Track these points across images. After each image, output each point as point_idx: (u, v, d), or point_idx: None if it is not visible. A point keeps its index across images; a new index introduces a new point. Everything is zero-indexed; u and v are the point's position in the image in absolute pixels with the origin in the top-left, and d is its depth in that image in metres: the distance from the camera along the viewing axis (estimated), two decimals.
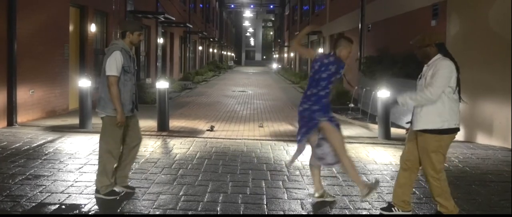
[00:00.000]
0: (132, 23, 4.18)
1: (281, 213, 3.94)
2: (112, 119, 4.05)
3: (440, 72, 3.50)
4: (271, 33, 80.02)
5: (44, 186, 4.43)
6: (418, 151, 3.74)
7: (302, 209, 4.06)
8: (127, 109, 4.09)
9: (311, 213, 3.99)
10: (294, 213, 3.95)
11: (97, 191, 4.17)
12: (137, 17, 14.91)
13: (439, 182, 3.69)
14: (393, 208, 3.89)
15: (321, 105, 4.06)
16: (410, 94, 3.63)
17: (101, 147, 4.17)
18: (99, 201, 4.07)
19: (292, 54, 37.66)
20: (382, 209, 3.98)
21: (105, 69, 4.03)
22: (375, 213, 4.00)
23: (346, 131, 8.56)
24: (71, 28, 10.29)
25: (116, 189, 4.22)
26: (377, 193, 4.54)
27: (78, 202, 4.02)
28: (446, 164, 5.88)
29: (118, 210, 3.88)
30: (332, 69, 4.02)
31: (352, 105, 12.66)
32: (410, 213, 3.89)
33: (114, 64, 3.97)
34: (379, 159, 6.06)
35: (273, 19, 71.22)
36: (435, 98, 3.52)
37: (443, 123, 3.59)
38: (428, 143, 3.64)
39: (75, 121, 8.06)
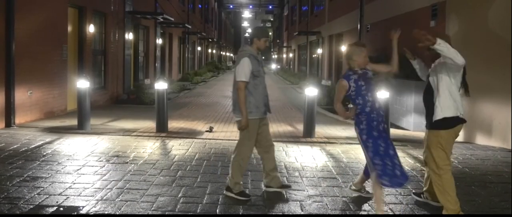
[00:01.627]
0: (260, 29, 4.46)
1: (280, 214, 3.92)
2: (248, 121, 4.19)
3: (451, 50, 3.58)
4: (270, 33, 79.99)
5: (42, 188, 4.40)
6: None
7: (302, 210, 4.04)
8: (260, 111, 4.25)
9: (312, 213, 3.97)
10: (294, 214, 3.93)
11: (228, 189, 4.29)
12: (136, 18, 14.89)
13: (440, 178, 3.80)
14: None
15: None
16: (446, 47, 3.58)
17: (237, 148, 4.35)
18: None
19: (291, 55, 37.66)
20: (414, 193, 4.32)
21: (235, 75, 4.28)
22: (373, 213, 3.98)
23: (346, 132, 8.55)
24: (69, 28, 10.26)
25: (271, 189, 4.43)
26: None
27: (76, 204, 4.00)
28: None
29: (118, 212, 3.86)
30: (363, 84, 3.86)
31: (351, 105, 12.65)
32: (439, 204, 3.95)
33: (242, 70, 4.19)
34: None
35: (272, 19, 71.19)
36: (461, 62, 3.59)
37: (437, 115, 3.75)
38: (429, 139, 3.84)
39: (74, 122, 8.03)
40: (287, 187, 4.58)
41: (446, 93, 3.75)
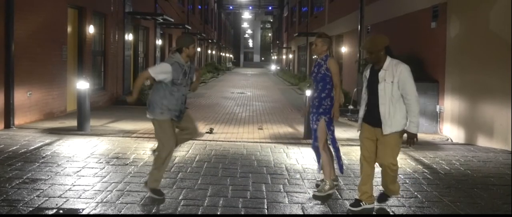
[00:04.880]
0: (186, 37, 4.45)
1: None
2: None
3: (409, 79, 3.83)
4: (270, 34, 80.00)
5: (41, 190, 4.36)
6: (376, 146, 4.00)
7: (303, 213, 4.00)
8: (173, 114, 4.31)
9: (313, 214, 3.94)
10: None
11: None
12: (135, 19, 14.85)
13: (396, 172, 4.04)
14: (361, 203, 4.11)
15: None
16: (410, 118, 3.87)
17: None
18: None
19: (290, 56, 37.64)
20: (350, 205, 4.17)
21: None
22: (380, 214, 3.96)
23: (346, 133, 8.52)
24: (69, 29, 10.22)
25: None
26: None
27: (76, 207, 3.96)
28: (447, 167, 5.84)
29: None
30: (314, 71, 4.62)
31: (351, 107, 12.62)
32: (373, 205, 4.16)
33: (155, 68, 4.31)
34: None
35: (271, 20, 71.18)
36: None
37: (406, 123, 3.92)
38: (394, 139, 3.91)
39: (73, 123, 7.98)
40: None
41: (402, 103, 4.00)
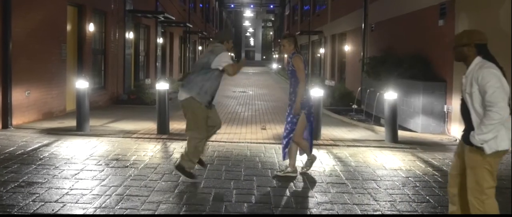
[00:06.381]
0: (228, 31, 4.99)
1: None
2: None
3: (490, 84, 2.98)
4: (271, 33, 79.75)
5: (38, 195, 4.18)
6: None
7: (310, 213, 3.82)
8: (207, 99, 4.66)
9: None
10: None
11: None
12: (136, 17, 14.67)
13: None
14: None
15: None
16: (478, 130, 3.02)
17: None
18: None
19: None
20: None
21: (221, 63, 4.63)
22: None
23: (351, 133, 8.32)
24: (68, 27, 10.04)
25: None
26: (390, 201, 4.30)
27: (73, 212, 3.78)
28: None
29: None
30: (288, 69, 5.06)
31: (355, 106, 12.43)
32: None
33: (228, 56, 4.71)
34: (388, 164, 5.82)
35: (273, 19, 70.93)
36: (505, 114, 2.96)
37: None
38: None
39: (72, 123, 7.80)
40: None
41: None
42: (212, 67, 4.62)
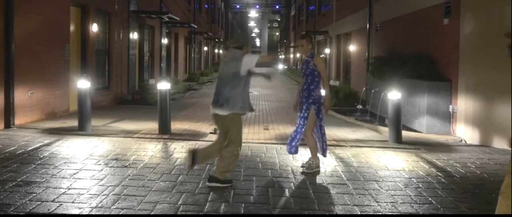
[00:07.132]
0: (247, 36, 4.95)
1: None
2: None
3: None
4: (277, 33, 79.65)
5: (35, 194, 4.15)
6: None
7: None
8: (247, 108, 4.61)
9: None
10: None
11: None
12: (140, 18, 14.68)
13: None
14: None
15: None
16: None
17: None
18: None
19: (298, 55, 37.31)
20: None
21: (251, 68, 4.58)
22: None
23: (355, 134, 8.24)
24: (72, 27, 10.05)
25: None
26: (391, 202, 4.22)
27: (69, 212, 3.74)
28: (462, 170, 5.55)
29: None
30: (303, 67, 5.24)
31: (360, 106, 12.32)
32: None
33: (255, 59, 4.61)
34: (390, 165, 5.73)
35: (279, 19, 70.81)
36: None
37: None
38: None
39: (75, 123, 7.79)
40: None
41: None
42: (242, 74, 4.51)
